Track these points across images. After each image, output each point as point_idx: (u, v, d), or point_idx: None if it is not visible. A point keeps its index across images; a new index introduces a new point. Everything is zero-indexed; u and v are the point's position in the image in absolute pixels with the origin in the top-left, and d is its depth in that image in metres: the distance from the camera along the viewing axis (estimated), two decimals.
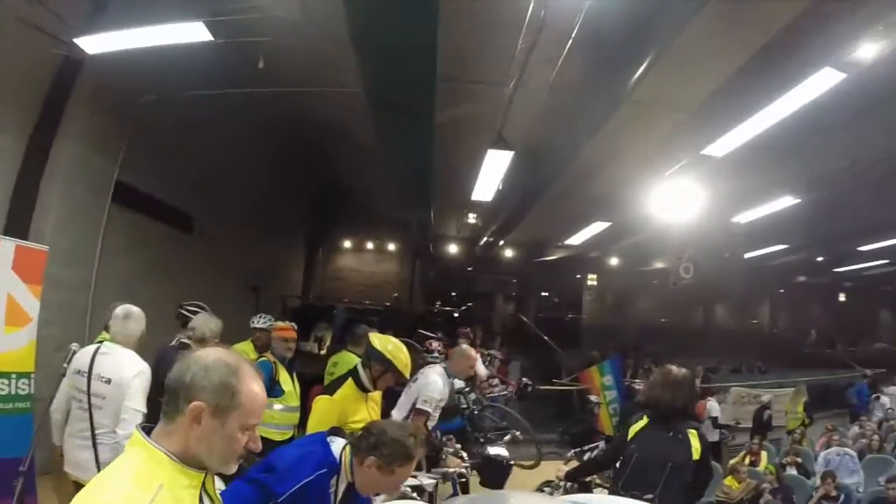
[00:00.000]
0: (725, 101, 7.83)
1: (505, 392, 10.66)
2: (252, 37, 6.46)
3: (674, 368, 4.29)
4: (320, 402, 4.21)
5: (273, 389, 5.57)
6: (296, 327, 6.49)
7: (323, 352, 13.00)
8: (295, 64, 7.88)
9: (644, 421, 4.17)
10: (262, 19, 6.30)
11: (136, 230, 8.68)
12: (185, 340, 4.90)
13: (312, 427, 4.02)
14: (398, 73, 6.61)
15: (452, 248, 20.25)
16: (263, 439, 5.22)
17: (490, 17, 6.94)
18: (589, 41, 6.31)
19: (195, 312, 5.73)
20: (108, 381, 4.07)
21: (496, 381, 10.64)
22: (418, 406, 5.38)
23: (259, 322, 6.48)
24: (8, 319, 4.88)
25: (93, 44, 6.38)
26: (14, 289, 4.96)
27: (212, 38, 6.03)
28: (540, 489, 5.60)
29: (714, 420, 11.44)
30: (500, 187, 10.44)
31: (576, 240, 15.86)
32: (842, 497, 8.20)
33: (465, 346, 6.79)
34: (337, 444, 2.93)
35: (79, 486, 3.77)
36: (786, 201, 10.96)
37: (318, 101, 9.36)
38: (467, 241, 19.54)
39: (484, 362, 10.36)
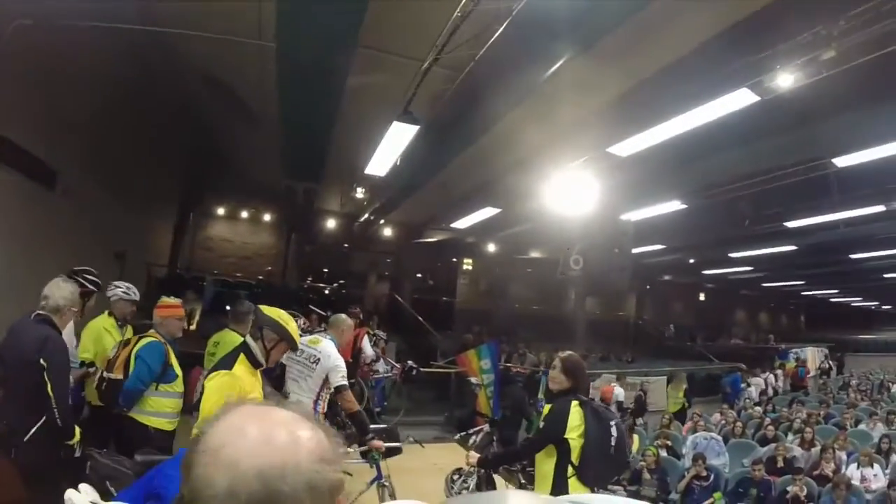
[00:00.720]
0: (641, 102, 7.93)
1: (389, 374, 10.60)
2: None
3: (574, 354, 4.39)
4: (217, 380, 3.85)
5: (165, 374, 4.97)
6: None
7: (192, 327, 12.13)
8: (198, 7, 7.08)
9: (577, 406, 4.13)
10: None
11: None
12: (42, 312, 4.22)
13: (209, 409, 3.64)
14: (316, 28, 6.19)
15: (332, 223, 19.55)
16: (156, 431, 4.65)
17: None
18: (515, 28, 6.15)
19: (93, 282, 5.31)
20: None
21: (381, 362, 10.41)
22: (339, 383, 5.26)
23: (124, 293, 5.70)
24: None
25: None
26: None
27: None
28: (451, 477, 5.43)
29: (620, 404, 12.26)
30: (398, 163, 10.13)
31: (462, 223, 15.86)
32: (711, 477, 8.72)
33: (343, 315, 6.33)
34: None
35: None
36: (673, 205, 11.51)
37: (208, 49, 8.38)
38: (349, 217, 18.89)
39: (370, 343, 10.07)
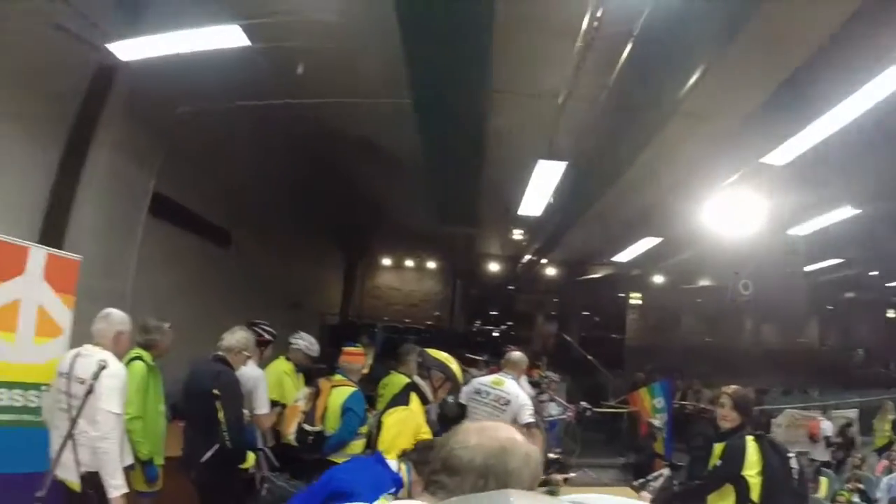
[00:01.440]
0: (785, 106, 7.39)
1: (564, 416, 9.91)
2: (290, 41, 6.25)
3: (741, 388, 4.39)
4: (397, 415, 4.31)
5: (365, 419, 5.33)
6: None
7: (365, 370, 12.66)
8: (334, 73, 7.66)
9: (753, 441, 4.07)
10: (300, 23, 6.08)
11: (172, 243, 8.56)
12: (218, 353, 4.81)
13: (389, 442, 4.06)
14: (449, 81, 6.43)
15: (494, 266, 19.88)
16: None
17: (541, 25, 6.65)
18: (640, 51, 6.07)
19: (269, 332, 5.95)
20: (83, 382, 3.90)
21: (553, 404, 10.10)
22: (528, 420, 5.51)
23: (306, 347, 6.25)
24: (39, 330, 4.65)
25: (127, 49, 6.21)
26: (45, 298, 4.74)
27: (248, 43, 5.80)
28: None
29: (827, 440, 11.09)
30: (552, 200, 10.07)
31: (623, 256, 15.37)
32: None
33: (519, 353, 6.60)
34: (393, 463, 2.90)
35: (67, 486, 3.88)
36: (845, 211, 10.34)
37: (358, 112, 9.01)
38: (510, 259, 19.17)
39: (541, 384, 9.89)
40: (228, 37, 5.73)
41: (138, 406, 4.56)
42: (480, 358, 9.70)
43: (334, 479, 2.83)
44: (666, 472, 6.61)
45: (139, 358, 4.73)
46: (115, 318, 4.30)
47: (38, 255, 4.76)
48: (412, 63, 6.29)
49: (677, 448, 9.46)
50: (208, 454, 4.43)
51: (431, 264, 21.03)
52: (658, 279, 20.98)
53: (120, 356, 4.25)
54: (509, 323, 19.04)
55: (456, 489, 1.47)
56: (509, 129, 8.85)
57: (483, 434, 1.54)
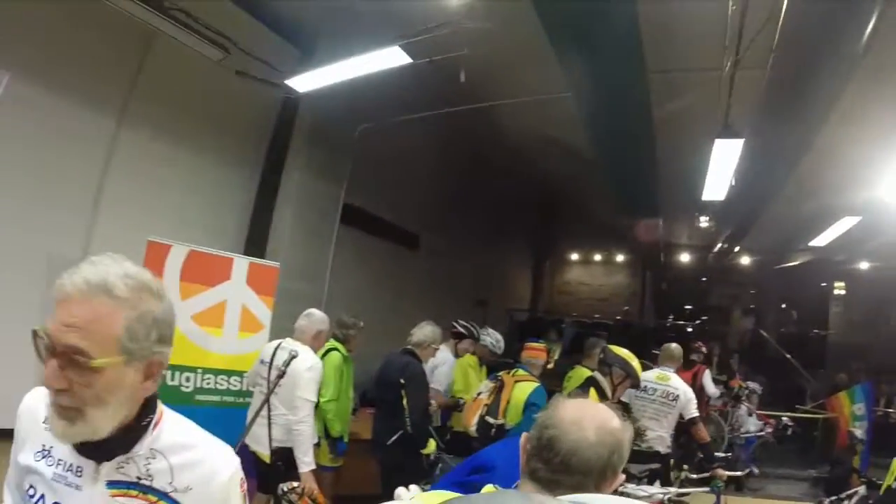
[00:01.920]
0: None
1: (762, 433, 9.12)
2: (448, 53, 6.56)
3: None
4: None
5: None
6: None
7: (550, 366, 12.75)
8: (496, 75, 7.95)
9: None
10: (454, 34, 6.34)
11: (363, 248, 9.29)
12: (409, 347, 5.16)
13: None
14: (604, 69, 6.39)
15: (684, 257, 18.62)
16: None
17: None
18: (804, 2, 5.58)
19: (465, 327, 6.44)
20: (293, 361, 4.42)
21: (752, 418, 9.28)
22: (694, 414, 5.57)
23: (492, 344, 6.58)
24: (242, 326, 5.49)
25: (304, 82, 7.02)
26: (248, 300, 5.55)
27: (409, 60, 6.21)
28: None
29: None
30: (734, 182, 9.56)
31: (820, 240, 13.82)
32: None
33: (674, 344, 6.33)
34: None
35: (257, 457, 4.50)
36: None
37: (526, 109, 9.22)
38: (699, 249, 17.88)
39: (740, 396, 9.36)
40: (390, 58, 6.20)
41: (334, 390, 5.27)
42: (693, 357, 9.16)
43: (482, 453, 2.84)
44: (862, 490, 5.72)
45: (335, 349, 5.42)
46: (316, 317, 4.92)
47: (241, 264, 5.60)
48: (562, 59, 6.38)
49: (874, 463, 7.80)
50: (393, 438, 4.81)
51: (620, 258, 20.36)
52: (865, 265, 17.67)
53: (317, 351, 4.83)
54: (703, 318, 17.79)
55: (578, 487, 1.43)
56: (678, 111, 8.59)
57: (600, 427, 1.50)
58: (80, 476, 1.26)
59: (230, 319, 5.45)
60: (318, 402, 5.11)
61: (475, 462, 2.76)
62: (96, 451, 1.25)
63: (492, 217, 13.31)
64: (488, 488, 1.52)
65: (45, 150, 6.35)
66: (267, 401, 4.33)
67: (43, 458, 1.29)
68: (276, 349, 4.71)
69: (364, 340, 5.73)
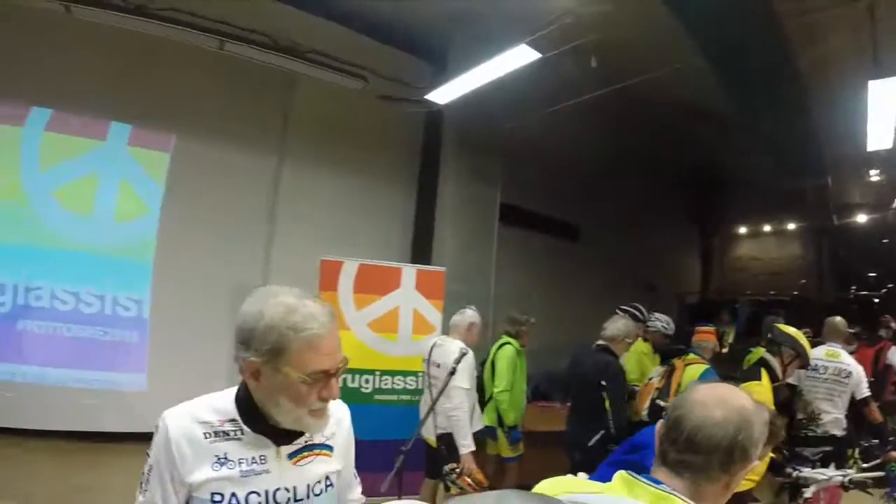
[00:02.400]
0: None
1: None
2: (575, 41, 6.56)
3: None
4: (753, 389, 4.15)
5: None
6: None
7: (725, 349, 12.16)
8: (628, 53, 7.71)
9: None
10: (577, 22, 6.37)
11: (525, 245, 9.41)
12: (601, 343, 5.16)
13: None
14: (730, 28, 6.12)
15: (860, 218, 16.70)
16: None
17: None
18: None
19: (631, 311, 6.20)
20: (438, 366, 4.90)
21: None
22: (866, 394, 5.29)
23: (663, 327, 6.44)
24: (415, 329, 5.85)
25: (442, 95, 7.37)
26: (418, 304, 5.91)
27: (539, 55, 6.28)
28: None
29: None
30: None
31: None
32: None
33: (838, 318, 5.91)
34: None
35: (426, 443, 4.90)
36: None
37: (666, 82, 8.78)
38: (875, 207, 15.79)
39: None
40: (520, 56, 6.31)
41: (507, 381, 5.44)
42: (850, 331, 8.30)
43: (642, 433, 2.88)
44: None
45: (509, 343, 5.61)
46: (468, 313, 5.20)
47: (409, 272, 5.96)
48: (686, 23, 6.20)
49: None
50: (595, 439, 4.77)
51: (791, 226, 18.54)
52: None
53: (470, 344, 4.97)
54: (890, 286, 15.62)
55: (705, 466, 1.40)
56: (823, 57, 7.92)
57: (726, 406, 1.43)
58: (264, 462, 1.58)
59: (404, 324, 5.83)
60: (493, 392, 5.45)
61: (634, 441, 2.81)
62: (286, 436, 1.61)
63: (651, 199, 12.86)
64: (621, 475, 1.46)
65: (218, 192, 7.33)
66: (439, 393, 4.54)
67: (222, 465, 1.54)
68: (432, 347, 5.13)
69: (534, 335, 5.89)
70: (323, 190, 8.08)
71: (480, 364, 5.79)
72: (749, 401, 1.48)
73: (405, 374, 5.79)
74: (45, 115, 6.76)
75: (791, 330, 4.64)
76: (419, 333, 5.83)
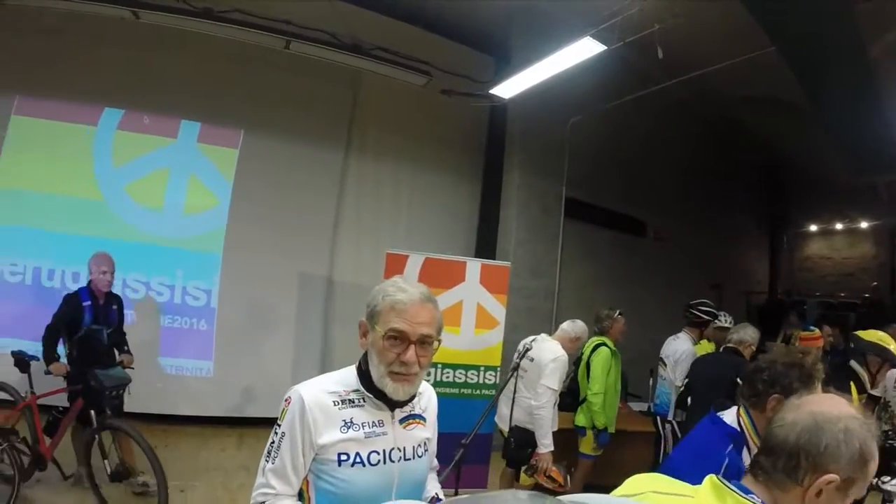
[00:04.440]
0: None
1: None
2: (640, 32, 6.16)
3: None
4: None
5: None
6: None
7: None
8: (694, 43, 7.28)
9: None
10: (642, 12, 5.99)
11: (590, 240, 9.02)
12: (731, 346, 4.97)
13: None
14: (800, 15, 5.68)
15: None
16: None
17: None
18: None
19: (707, 312, 5.97)
20: (532, 360, 4.82)
21: None
22: None
23: (723, 321, 6.08)
24: (478, 323, 5.62)
25: (506, 90, 7.09)
26: (482, 299, 5.67)
27: (604, 48, 5.96)
28: None
29: None
30: None
31: None
32: None
33: None
34: (729, 414, 2.42)
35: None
36: None
37: (735, 73, 8.37)
38: None
39: None
40: (584, 49, 5.98)
41: (602, 384, 5.28)
42: None
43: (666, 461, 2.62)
44: None
45: (603, 344, 5.43)
46: (580, 325, 5.12)
47: (474, 266, 5.73)
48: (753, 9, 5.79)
49: None
50: None
51: (864, 224, 17.51)
52: None
53: (569, 353, 4.93)
54: None
55: (770, 469, 1.33)
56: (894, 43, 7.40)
57: (800, 409, 1.34)
58: (383, 426, 1.83)
59: (467, 318, 5.61)
60: (586, 395, 5.35)
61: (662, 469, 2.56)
62: (397, 404, 1.85)
63: (719, 194, 12.30)
64: (710, 479, 1.37)
65: (285, 186, 7.40)
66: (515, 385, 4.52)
67: (349, 428, 1.78)
68: (531, 342, 4.98)
69: (591, 332, 5.65)
70: (388, 184, 8.03)
71: (574, 363, 5.69)
72: (837, 410, 1.33)
73: (466, 367, 5.61)
74: (118, 115, 7.00)
75: (874, 335, 4.36)
76: (482, 328, 5.64)
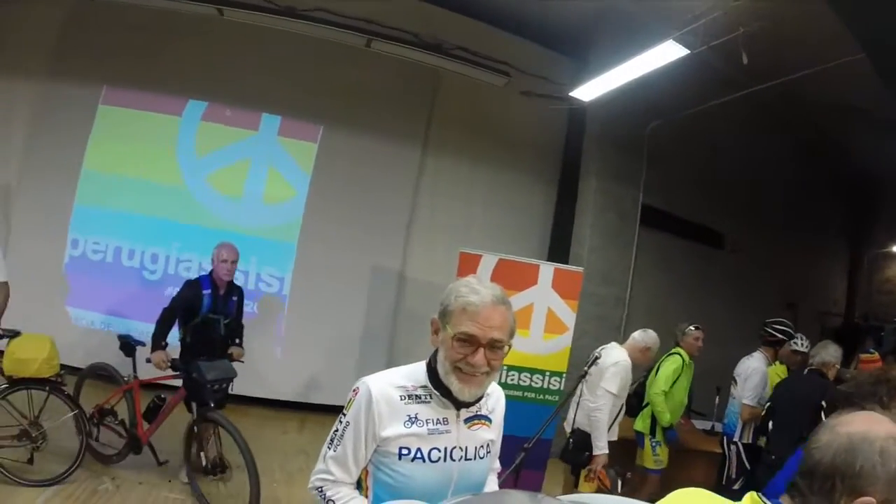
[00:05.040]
0: None
1: None
2: (724, 36, 5.95)
3: None
4: None
5: None
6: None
7: None
8: (781, 48, 6.90)
9: None
10: (726, 15, 5.77)
11: (665, 249, 8.79)
12: (815, 368, 4.86)
13: None
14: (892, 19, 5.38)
15: None
16: None
17: None
18: None
19: (783, 331, 5.73)
20: (596, 364, 4.65)
21: None
22: None
23: (799, 345, 5.83)
24: (547, 328, 5.47)
25: (586, 92, 6.98)
26: (553, 303, 5.53)
27: (686, 52, 5.78)
28: None
29: None
30: None
31: None
32: None
33: None
34: None
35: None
36: None
37: (823, 79, 7.94)
38: None
39: None
40: (667, 52, 5.80)
41: (665, 383, 5.35)
42: None
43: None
44: None
45: (677, 353, 5.53)
46: (650, 335, 5.06)
47: (546, 270, 5.58)
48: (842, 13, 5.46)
49: None
50: None
51: None
52: None
53: (637, 363, 4.96)
54: None
55: (806, 492, 1.27)
56: None
57: (835, 430, 1.27)
58: (447, 424, 1.81)
59: (536, 321, 5.49)
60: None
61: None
62: (463, 404, 1.82)
63: (801, 208, 11.71)
64: (751, 495, 1.34)
65: (362, 182, 7.53)
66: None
67: (413, 424, 1.77)
68: (601, 349, 4.88)
69: (669, 343, 5.63)
70: (464, 183, 8.05)
71: (645, 372, 5.71)
72: (874, 428, 1.25)
73: (532, 371, 5.47)
74: (202, 107, 7.25)
75: None
76: (551, 332, 5.48)
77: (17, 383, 4.25)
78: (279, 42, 7.12)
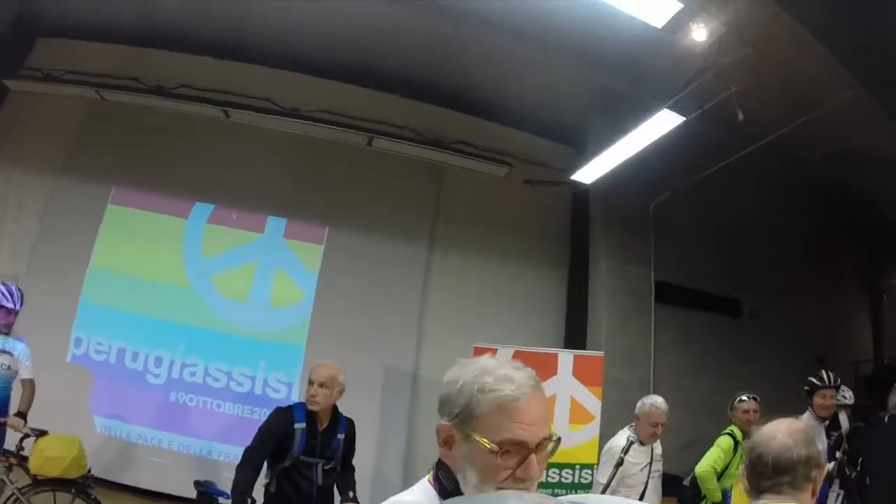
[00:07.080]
0: None
1: None
2: (717, 97, 5.85)
3: None
4: None
5: None
6: None
7: None
8: (774, 102, 6.75)
9: None
10: (717, 76, 5.69)
11: (683, 324, 8.52)
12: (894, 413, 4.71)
13: None
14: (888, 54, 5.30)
15: None
16: None
17: None
18: None
19: (808, 381, 5.35)
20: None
21: None
22: None
23: (847, 397, 5.75)
24: (572, 418, 5.27)
25: (587, 174, 7.01)
26: (576, 392, 5.32)
27: (682, 119, 5.74)
28: None
29: None
30: None
31: None
32: None
33: None
34: None
35: None
36: None
37: (823, 125, 7.73)
38: None
39: None
40: (663, 122, 5.76)
41: (713, 461, 4.82)
42: None
43: None
44: None
45: (731, 434, 5.01)
46: (641, 406, 4.73)
47: (566, 358, 5.42)
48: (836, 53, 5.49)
49: None
50: None
51: None
52: None
53: (643, 438, 4.57)
54: None
55: (793, 482, 1.70)
56: None
57: (791, 435, 1.76)
58: None
59: (560, 413, 5.28)
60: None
61: None
62: None
63: (816, 260, 11.48)
64: None
65: (370, 281, 7.45)
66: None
67: None
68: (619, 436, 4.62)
69: (692, 420, 5.76)
70: (473, 276, 7.91)
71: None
72: (800, 421, 1.87)
73: (560, 466, 5.27)
74: (208, 210, 7.26)
75: None
76: (577, 423, 5.28)
77: (41, 484, 4.08)
78: (283, 143, 7.24)
